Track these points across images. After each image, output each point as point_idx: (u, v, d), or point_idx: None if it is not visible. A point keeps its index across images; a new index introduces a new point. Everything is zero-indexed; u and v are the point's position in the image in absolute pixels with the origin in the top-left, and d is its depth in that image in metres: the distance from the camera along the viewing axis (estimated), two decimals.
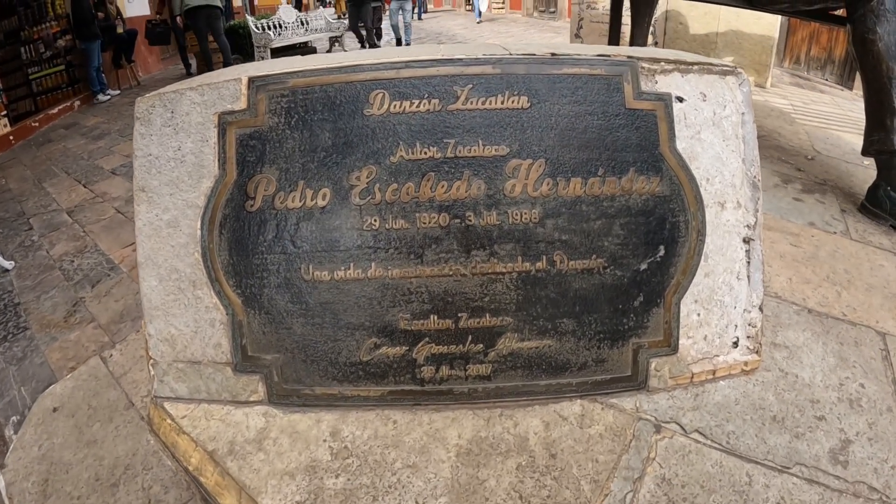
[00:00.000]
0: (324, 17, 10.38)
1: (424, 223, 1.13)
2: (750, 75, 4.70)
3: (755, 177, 1.24)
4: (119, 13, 8.87)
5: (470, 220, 1.13)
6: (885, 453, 1.11)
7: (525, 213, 1.13)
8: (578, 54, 1.17)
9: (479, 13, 17.78)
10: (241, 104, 1.17)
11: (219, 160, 1.18)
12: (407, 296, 1.15)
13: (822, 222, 1.86)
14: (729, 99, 1.23)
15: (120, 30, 8.57)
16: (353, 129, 1.14)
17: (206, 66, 8.08)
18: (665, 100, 1.18)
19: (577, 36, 5.49)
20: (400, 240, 1.14)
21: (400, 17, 9.90)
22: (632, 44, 2.17)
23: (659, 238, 1.17)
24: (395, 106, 1.14)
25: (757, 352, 1.28)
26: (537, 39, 11.87)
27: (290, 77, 1.16)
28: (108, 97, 8.11)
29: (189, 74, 8.79)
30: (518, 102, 1.13)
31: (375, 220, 1.14)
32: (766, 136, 3.02)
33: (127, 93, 8.46)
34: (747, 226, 1.24)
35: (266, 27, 9.19)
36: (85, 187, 4.47)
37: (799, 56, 6.95)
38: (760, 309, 1.27)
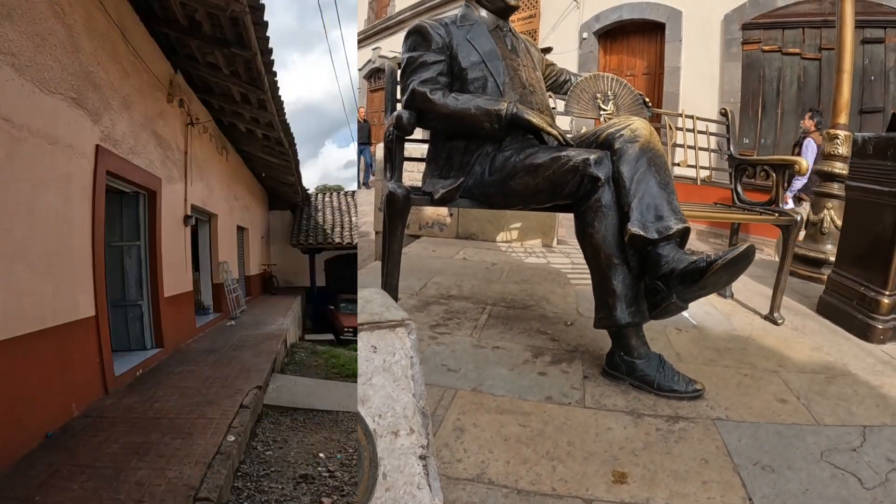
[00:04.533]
0: None
1: None
2: (538, 238, 5.59)
3: (424, 407, 1.56)
4: None
5: None
6: None
7: None
8: None
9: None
10: None
11: None
12: None
13: (560, 395, 2.11)
14: (398, 346, 1.56)
15: None
16: None
17: None
18: None
19: (380, 209, 5.83)
20: None
21: None
22: (388, 254, 2.27)
23: None
24: None
25: None
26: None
27: None
28: None
29: None
30: None
31: None
32: (534, 305, 3.31)
33: None
34: (422, 446, 1.55)
35: None
36: None
37: None
38: None
